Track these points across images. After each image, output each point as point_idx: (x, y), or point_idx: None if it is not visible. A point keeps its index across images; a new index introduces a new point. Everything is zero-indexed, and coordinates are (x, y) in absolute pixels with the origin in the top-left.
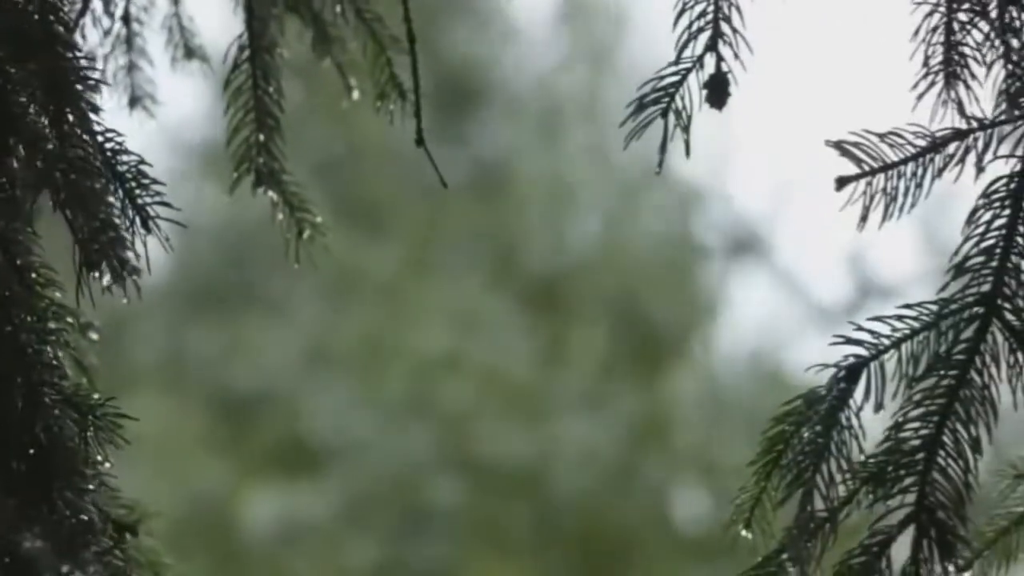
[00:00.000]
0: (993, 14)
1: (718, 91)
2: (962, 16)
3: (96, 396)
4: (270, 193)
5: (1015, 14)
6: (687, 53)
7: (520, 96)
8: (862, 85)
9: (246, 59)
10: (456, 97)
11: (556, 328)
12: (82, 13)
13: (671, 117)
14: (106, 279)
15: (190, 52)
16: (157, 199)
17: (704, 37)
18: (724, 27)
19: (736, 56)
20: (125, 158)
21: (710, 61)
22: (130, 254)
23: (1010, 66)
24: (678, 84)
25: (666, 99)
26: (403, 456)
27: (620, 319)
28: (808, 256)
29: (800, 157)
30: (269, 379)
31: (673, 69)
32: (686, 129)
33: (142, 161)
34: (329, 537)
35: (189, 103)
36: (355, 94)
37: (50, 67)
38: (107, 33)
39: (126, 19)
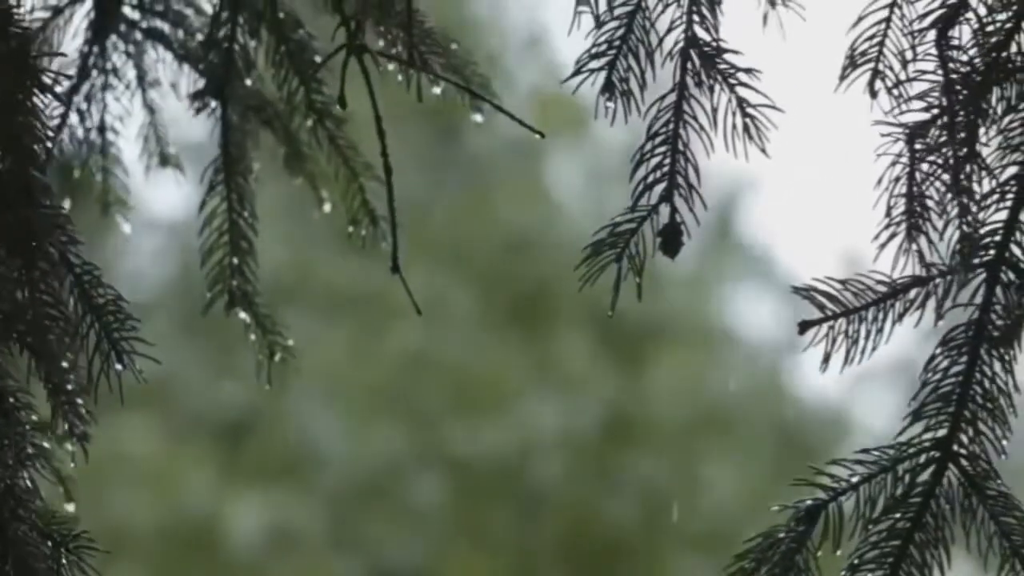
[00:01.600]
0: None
1: (671, 240)
2: (924, 167)
3: (70, 529)
4: (243, 315)
5: (971, 170)
6: (642, 202)
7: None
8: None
9: (221, 181)
10: (447, 116)
11: (540, 331)
12: (59, 129)
13: (625, 261)
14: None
15: (165, 159)
16: (132, 334)
17: (659, 188)
18: (679, 180)
19: (690, 208)
20: (102, 291)
21: (664, 211)
22: (82, 427)
23: (964, 227)
24: (633, 231)
25: (621, 244)
26: (384, 460)
27: (604, 322)
28: (805, 263)
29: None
30: (251, 392)
31: (628, 216)
32: (639, 273)
33: (119, 297)
34: (315, 545)
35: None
36: (327, 206)
37: (24, 219)
38: (83, 143)
39: (101, 129)
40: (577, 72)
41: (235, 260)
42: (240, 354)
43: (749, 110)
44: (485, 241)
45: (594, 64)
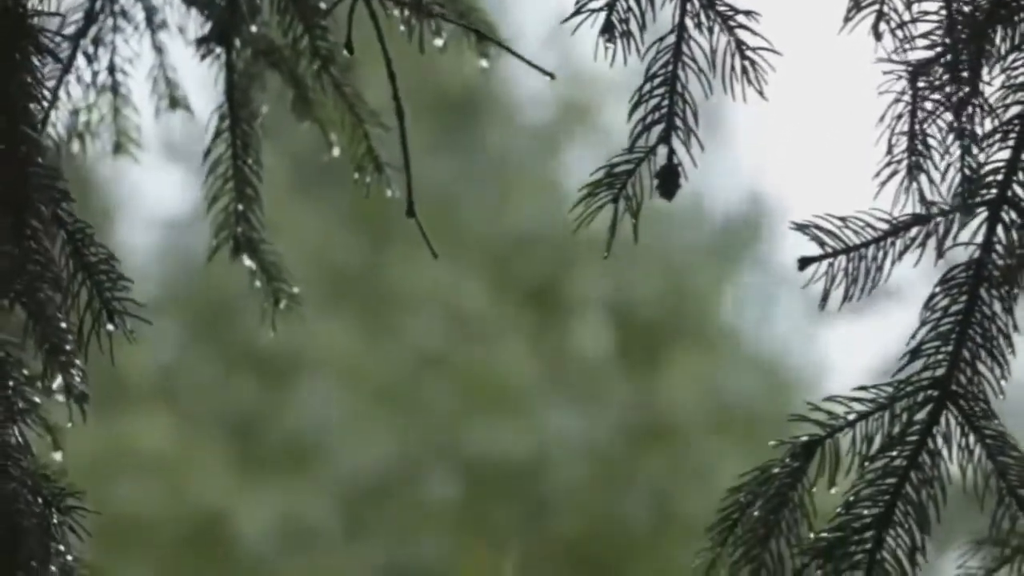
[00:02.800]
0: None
1: (668, 182)
2: (928, 105)
3: (60, 486)
4: (247, 261)
5: (974, 109)
6: (640, 143)
7: (520, 102)
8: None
9: (226, 128)
10: (457, 105)
11: (554, 326)
12: (66, 70)
13: (622, 203)
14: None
15: (174, 102)
16: (124, 294)
17: (658, 129)
18: (677, 121)
19: (687, 150)
20: (94, 249)
21: (662, 152)
22: (77, 379)
23: (966, 170)
24: (630, 172)
25: (618, 186)
26: (397, 456)
27: (619, 317)
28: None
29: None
30: (266, 386)
31: (626, 157)
32: (635, 215)
33: (111, 256)
34: (326, 541)
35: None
36: (335, 150)
37: (15, 176)
38: (92, 84)
39: (111, 70)
40: (577, 12)
41: (240, 207)
42: (250, 348)
43: (748, 52)
44: (500, 235)
45: (594, 4)
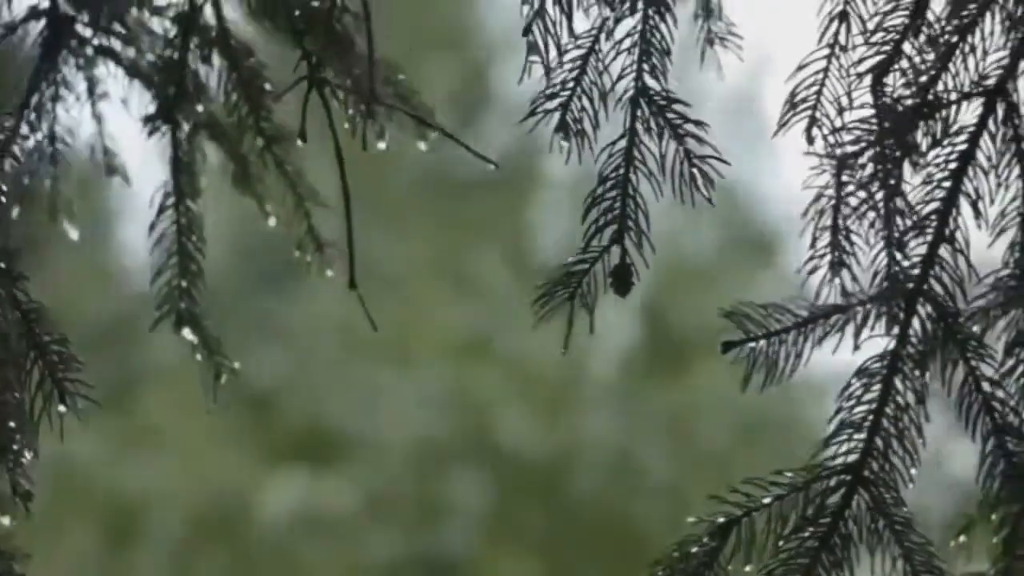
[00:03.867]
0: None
1: (622, 280)
2: (852, 201)
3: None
4: (189, 336)
5: (894, 205)
6: (594, 243)
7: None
8: None
9: (171, 205)
10: (471, 98)
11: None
12: (12, 138)
13: (576, 300)
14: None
15: (111, 170)
16: (76, 375)
17: (610, 231)
18: (629, 223)
19: (639, 251)
20: (48, 329)
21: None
22: (23, 481)
23: (886, 264)
24: (585, 272)
25: (573, 284)
26: (424, 448)
27: (648, 317)
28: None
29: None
30: (288, 369)
31: (581, 257)
32: (591, 311)
33: (64, 339)
34: (348, 530)
35: None
36: (271, 220)
37: None
38: (33, 153)
39: (51, 139)
40: (532, 113)
41: (183, 283)
42: (271, 334)
43: (696, 161)
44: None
45: (549, 104)
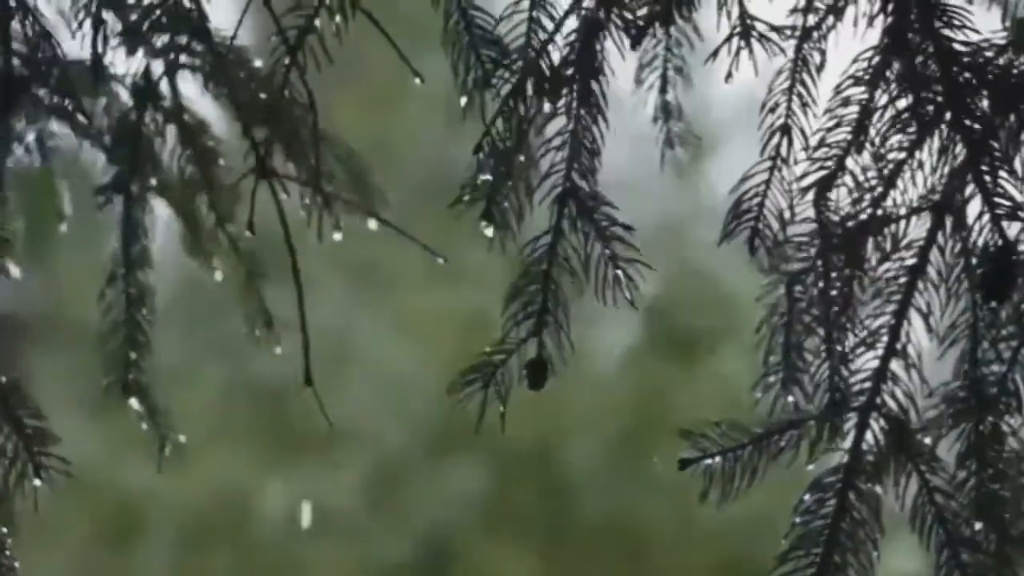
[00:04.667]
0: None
1: (537, 374)
2: (805, 318)
3: None
4: (136, 406)
5: (845, 320)
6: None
7: None
8: None
9: (120, 277)
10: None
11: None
12: None
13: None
14: None
15: (61, 217)
16: (51, 450)
17: (529, 323)
18: (549, 318)
19: (557, 345)
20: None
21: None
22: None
23: (837, 379)
24: (502, 362)
25: (488, 374)
26: (423, 442)
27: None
28: None
29: None
30: (288, 367)
31: (499, 348)
32: (504, 401)
33: (39, 412)
34: (349, 525)
35: None
36: (218, 275)
37: None
38: None
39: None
40: (459, 200)
41: (132, 354)
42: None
43: (621, 264)
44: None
45: (476, 193)
